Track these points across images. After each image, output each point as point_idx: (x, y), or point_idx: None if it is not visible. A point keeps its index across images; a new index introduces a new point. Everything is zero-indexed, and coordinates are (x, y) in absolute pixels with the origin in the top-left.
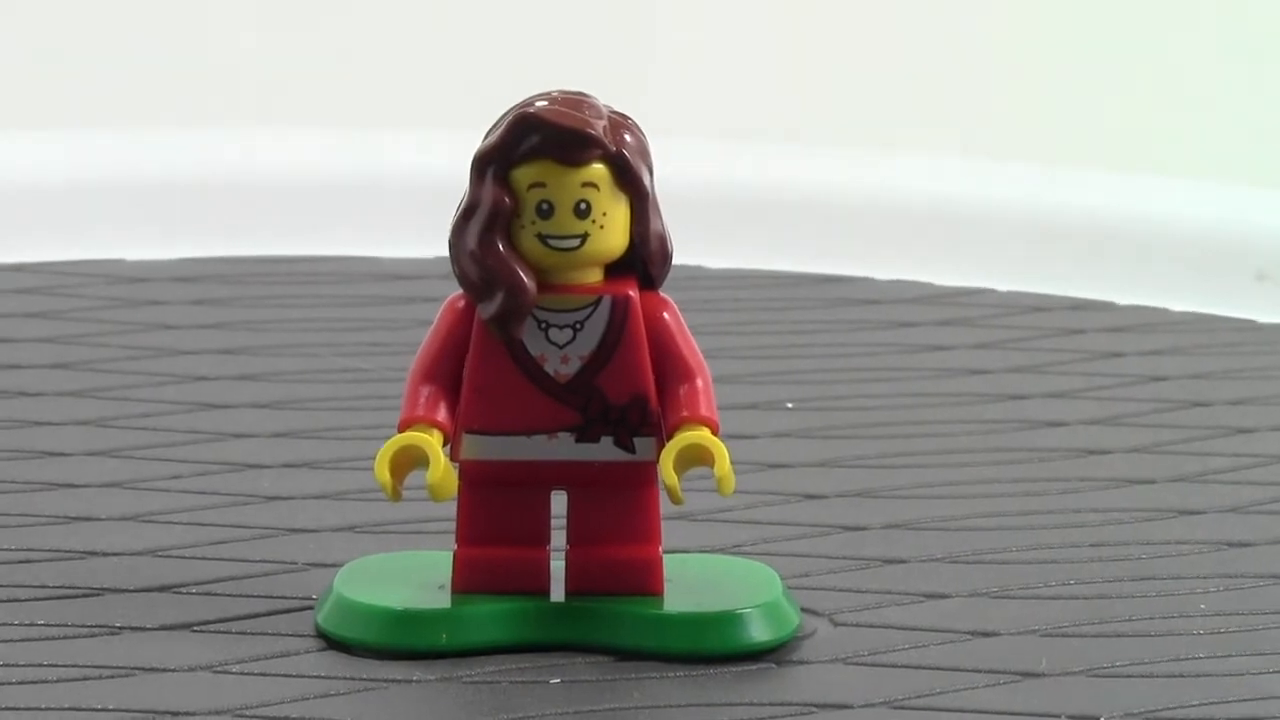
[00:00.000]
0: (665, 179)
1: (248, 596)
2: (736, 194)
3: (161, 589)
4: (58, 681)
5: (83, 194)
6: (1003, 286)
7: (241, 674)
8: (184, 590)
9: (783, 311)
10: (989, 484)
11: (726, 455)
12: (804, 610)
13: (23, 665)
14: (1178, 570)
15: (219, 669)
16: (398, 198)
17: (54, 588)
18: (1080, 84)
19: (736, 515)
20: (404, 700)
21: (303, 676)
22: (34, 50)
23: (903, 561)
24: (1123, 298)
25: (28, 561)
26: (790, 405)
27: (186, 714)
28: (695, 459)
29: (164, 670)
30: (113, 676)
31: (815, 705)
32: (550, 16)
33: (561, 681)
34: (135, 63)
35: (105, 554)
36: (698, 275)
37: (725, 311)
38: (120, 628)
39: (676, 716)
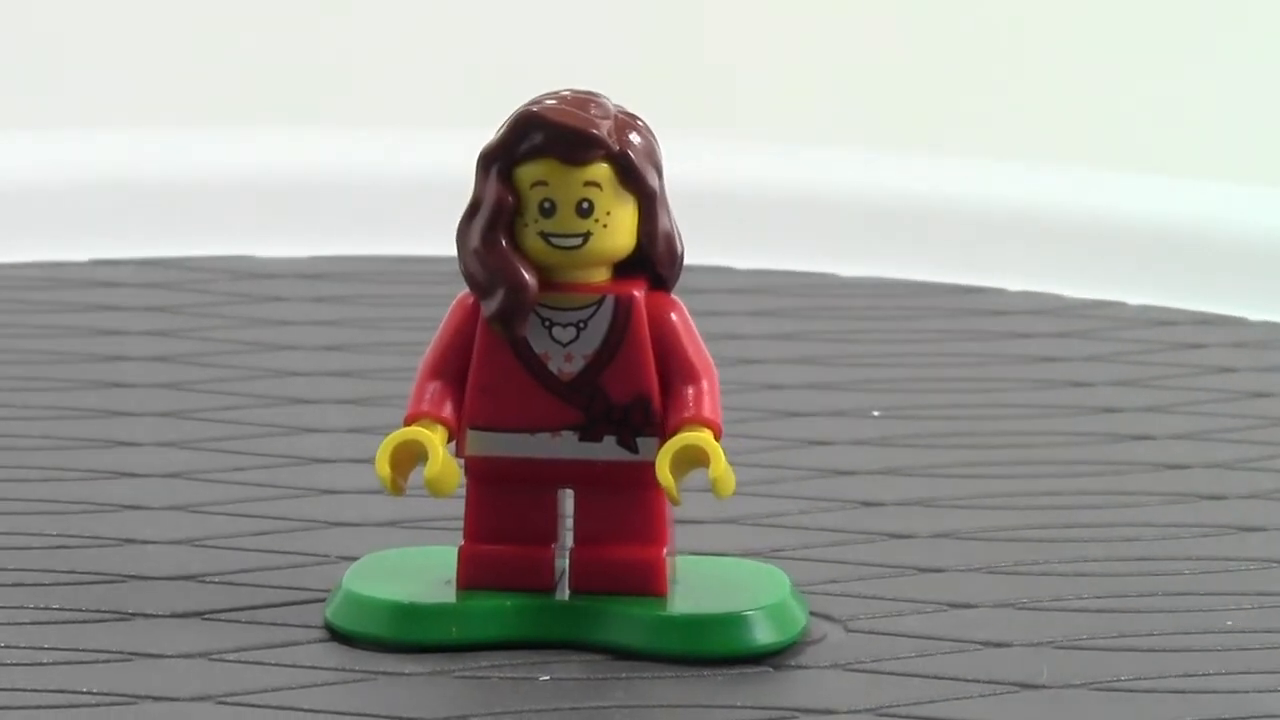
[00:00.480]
0: (799, 186)
1: (268, 587)
2: (887, 202)
3: (187, 578)
4: (51, 664)
5: (215, 191)
6: (1138, 300)
7: (236, 662)
8: (208, 579)
9: (904, 320)
10: (1053, 496)
11: (722, 456)
12: (820, 616)
13: (23, 648)
14: (1217, 587)
15: (215, 656)
16: None
17: (81, 573)
18: (1223, 96)
19: (786, 520)
20: (389, 692)
21: (295, 666)
22: (180, 48)
23: (940, 570)
24: (1257, 314)
25: (64, 547)
26: (877, 414)
27: (169, 699)
28: (693, 460)
29: (160, 656)
30: (108, 661)
31: (799, 710)
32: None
33: (551, 679)
34: (288, 62)
35: (142, 542)
36: (829, 283)
37: (844, 319)
38: (132, 614)
39: (655, 716)
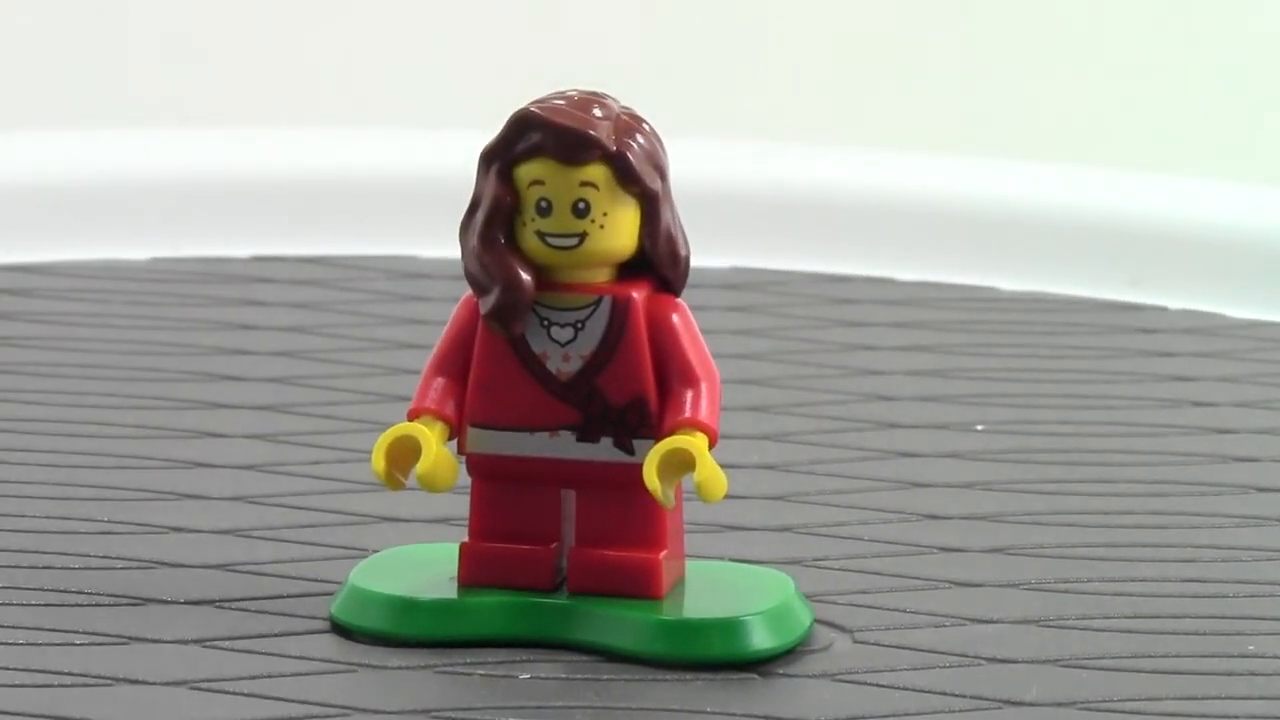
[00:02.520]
0: (964, 198)
1: (291, 579)
2: (1056, 216)
3: (219, 567)
4: (45, 645)
5: (374, 191)
6: None
7: (228, 650)
8: (239, 569)
9: (1051, 335)
10: (1127, 515)
11: (709, 460)
12: (830, 625)
13: (25, 628)
14: (1258, 611)
15: (209, 644)
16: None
17: (114, 558)
18: None
19: (842, 530)
20: (360, 683)
21: (281, 656)
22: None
23: (976, 585)
24: None
25: (108, 533)
26: (980, 428)
27: (144, 683)
28: (682, 463)
29: (156, 641)
30: (101, 645)
31: (765, 718)
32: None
33: (531, 678)
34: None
35: (186, 530)
36: (987, 296)
37: (989, 333)
38: (146, 600)
39: (614, 718)
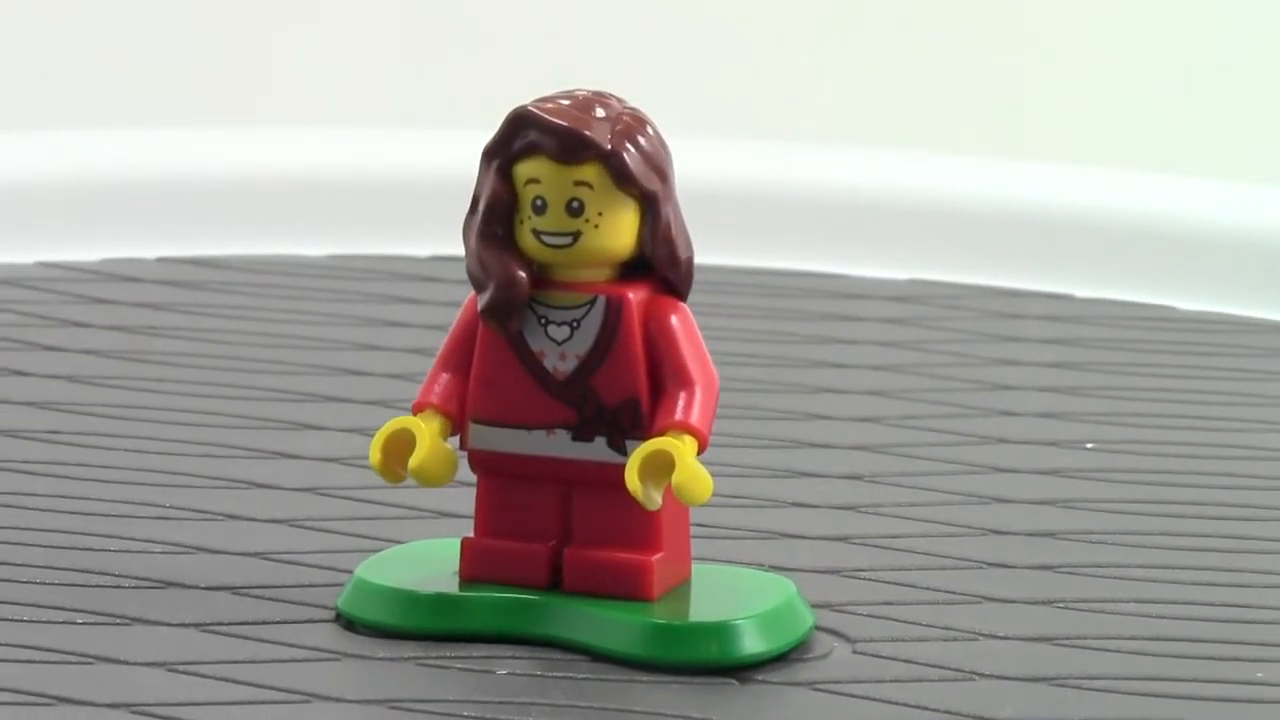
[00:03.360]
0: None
1: (320, 569)
2: (1240, 234)
3: (253, 555)
4: (47, 623)
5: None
6: None
7: (223, 635)
8: (271, 557)
9: (1222, 357)
10: (1179, 536)
11: (689, 463)
12: (834, 634)
13: (39, 605)
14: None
15: (206, 628)
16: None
17: (154, 542)
18: None
19: (898, 544)
20: (336, 672)
21: (272, 643)
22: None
23: (999, 601)
24: None
25: (163, 518)
26: (1090, 446)
27: (123, 662)
28: (664, 465)
29: (156, 624)
30: (102, 624)
31: None
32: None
33: (507, 673)
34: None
35: (240, 518)
36: (1170, 317)
37: (1143, 352)
38: (169, 584)
39: (567, 717)
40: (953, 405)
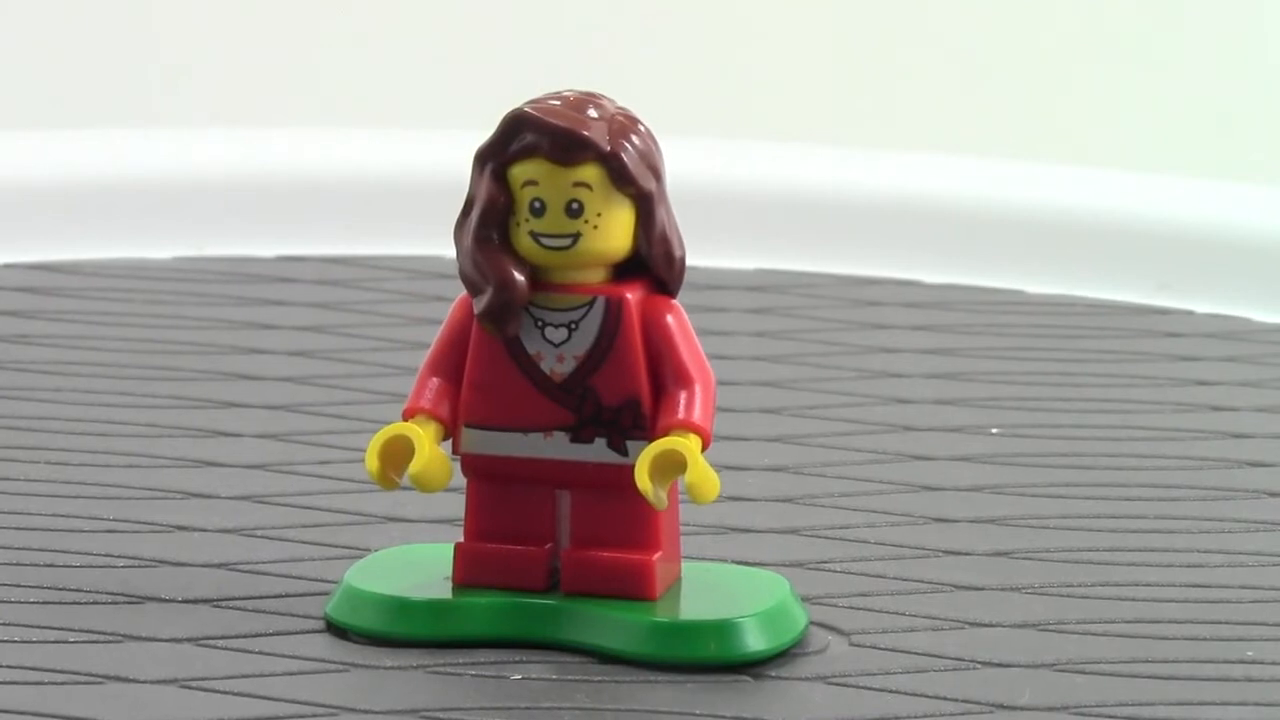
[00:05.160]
0: (993, 201)
1: (291, 578)
2: (1083, 218)
3: (217, 566)
4: (39, 643)
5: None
6: None
7: (222, 649)
8: (236, 568)
9: (1074, 339)
10: (1133, 519)
11: (700, 462)
12: (827, 628)
13: (22, 625)
14: (1260, 616)
15: (203, 642)
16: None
17: (114, 556)
18: None
19: (848, 534)
20: (350, 683)
21: (273, 655)
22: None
23: (979, 589)
24: None
25: (112, 531)
26: (995, 431)
27: (135, 680)
28: (674, 464)
29: (151, 639)
30: (96, 642)
31: None
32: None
33: (522, 678)
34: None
35: (190, 529)
36: (1013, 299)
37: (1011, 335)
38: (144, 598)
39: None
40: (849, 395)
